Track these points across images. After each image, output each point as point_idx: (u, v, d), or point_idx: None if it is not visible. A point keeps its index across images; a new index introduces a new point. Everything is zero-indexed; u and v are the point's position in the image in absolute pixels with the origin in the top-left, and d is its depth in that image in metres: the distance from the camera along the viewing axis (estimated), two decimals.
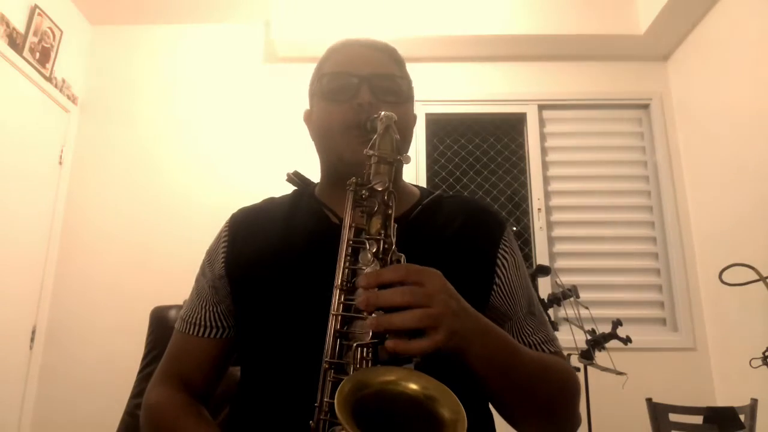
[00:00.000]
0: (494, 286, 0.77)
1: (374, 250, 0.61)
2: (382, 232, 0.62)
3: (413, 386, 0.51)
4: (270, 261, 0.78)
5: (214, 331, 0.82)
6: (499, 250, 0.79)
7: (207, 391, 0.83)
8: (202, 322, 0.83)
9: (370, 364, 0.56)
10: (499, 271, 0.78)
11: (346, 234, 0.65)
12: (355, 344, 0.57)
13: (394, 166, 0.66)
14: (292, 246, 0.79)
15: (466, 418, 0.47)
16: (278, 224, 0.83)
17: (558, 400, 0.71)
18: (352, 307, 0.60)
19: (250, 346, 0.78)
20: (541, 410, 0.69)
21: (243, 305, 0.79)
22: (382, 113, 0.69)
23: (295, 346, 0.69)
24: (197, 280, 0.88)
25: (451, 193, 0.90)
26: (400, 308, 0.55)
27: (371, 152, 0.66)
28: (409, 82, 0.86)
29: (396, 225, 0.64)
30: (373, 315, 0.55)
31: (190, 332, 0.83)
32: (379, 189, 0.64)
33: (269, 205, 0.91)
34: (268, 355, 0.75)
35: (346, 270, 0.63)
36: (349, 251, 0.64)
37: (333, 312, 0.61)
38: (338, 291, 0.62)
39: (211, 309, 0.83)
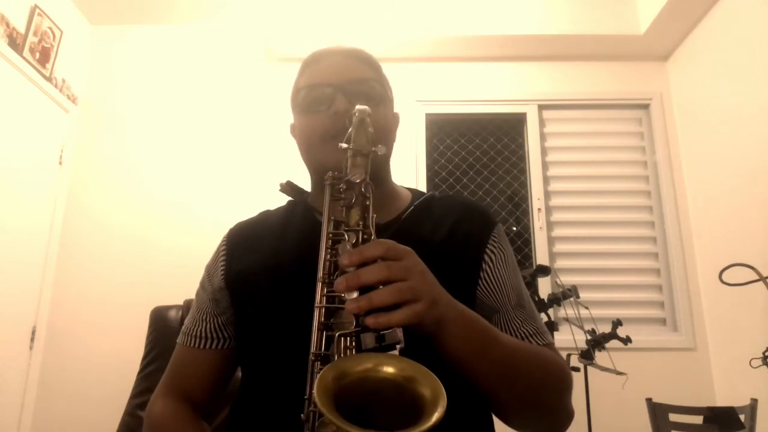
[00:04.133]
0: (480, 280, 0.78)
1: (353, 241, 0.61)
2: (361, 223, 0.63)
3: (392, 370, 0.51)
4: (267, 268, 0.79)
5: (215, 342, 0.84)
6: (488, 246, 0.80)
7: (210, 403, 0.84)
8: (203, 334, 0.84)
9: (353, 353, 0.56)
10: (485, 266, 0.79)
11: (326, 227, 0.66)
12: (337, 334, 0.57)
13: (370, 158, 0.66)
14: (288, 253, 0.80)
15: (445, 395, 0.48)
16: (274, 234, 0.85)
17: (541, 389, 0.71)
18: (335, 298, 0.60)
19: (248, 350, 0.80)
20: (522, 398, 0.69)
21: (242, 313, 0.81)
22: (357, 107, 0.69)
23: (290, 345, 0.70)
24: (197, 295, 0.89)
25: (441, 192, 0.91)
26: (378, 287, 0.55)
27: (346, 146, 0.67)
28: (384, 83, 0.87)
29: (375, 216, 0.65)
30: (354, 297, 0.55)
31: (192, 345, 0.84)
32: (357, 181, 0.64)
33: (265, 217, 0.92)
34: (265, 356, 0.76)
35: (327, 263, 0.63)
36: (330, 244, 0.64)
37: (317, 305, 0.61)
38: (320, 284, 0.62)
39: (212, 321, 0.85)
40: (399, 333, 0.55)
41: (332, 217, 0.66)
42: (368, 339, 0.54)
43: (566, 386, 0.75)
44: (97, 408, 2.31)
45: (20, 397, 2.41)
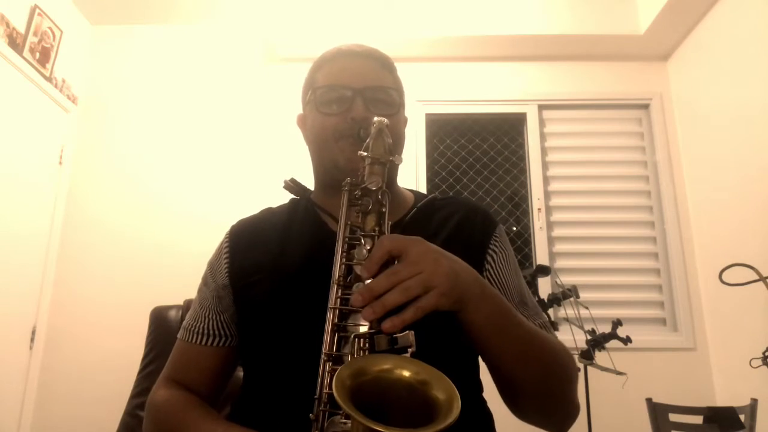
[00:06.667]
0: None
1: (369, 247, 0.63)
2: (377, 229, 0.66)
3: (408, 372, 0.53)
4: (271, 266, 0.80)
5: (217, 339, 0.83)
6: (490, 246, 0.82)
7: (210, 399, 0.84)
8: (206, 331, 0.84)
9: (366, 354, 0.58)
10: (488, 266, 0.80)
11: (342, 231, 0.67)
12: (352, 335, 0.59)
13: (387, 167, 0.69)
14: (292, 252, 0.81)
15: (459, 398, 0.49)
16: (277, 233, 0.85)
17: (554, 373, 0.71)
18: (349, 300, 0.62)
19: (252, 350, 0.80)
20: (537, 380, 0.69)
21: (246, 311, 0.81)
22: (375, 118, 0.72)
23: (296, 345, 0.70)
24: (200, 291, 0.89)
25: (448, 195, 0.91)
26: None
27: (365, 154, 0.69)
28: (400, 89, 0.88)
29: (390, 223, 0.67)
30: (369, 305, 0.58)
31: (194, 341, 0.84)
32: (373, 188, 0.67)
33: (267, 215, 0.92)
34: (270, 356, 0.76)
35: (343, 266, 0.65)
36: (345, 248, 0.66)
37: (331, 306, 0.62)
38: (335, 286, 0.64)
39: (214, 318, 0.84)
40: (411, 337, 0.57)
41: (348, 222, 0.68)
42: (382, 341, 0.57)
43: (575, 376, 0.76)
44: (97, 408, 2.31)
45: (20, 398, 2.41)
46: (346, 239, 0.67)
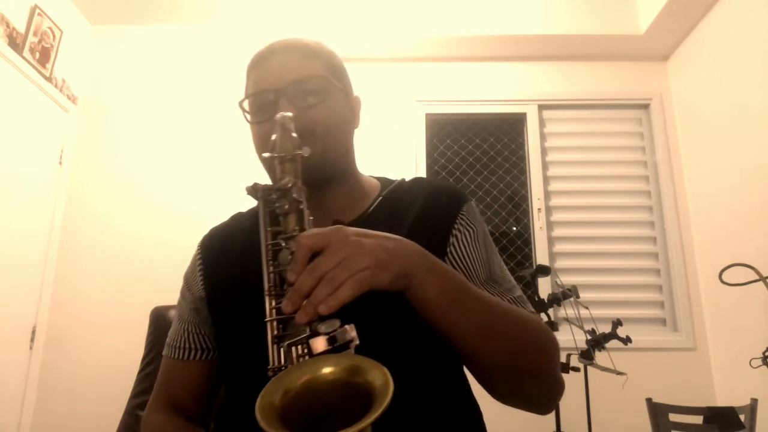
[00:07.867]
0: (446, 257, 0.74)
1: (293, 249, 0.59)
2: (297, 228, 0.62)
3: (335, 368, 0.50)
4: (236, 277, 0.78)
5: (198, 353, 0.83)
6: (455, 224, 0.77)
7: (200, 412, 0.84)
8: (187, 345, 0.83)
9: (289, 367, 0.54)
10: (451, 247, 0.75)
11: (264, 239, 0.64)
12: (287, 344, 0.55)
13: (298, 162, 0.66)
14: (255, 260, 0.77)
15: (391, 379, 0.46)
16: (244, 240, 0.83)
17: (522, 345, 0.66)
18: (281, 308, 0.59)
19: (222, 362, 0.80)
20: (504, 355, 0.64)
21: (217, 324, 0.80)
22: (276, 115, 0.69)
23: (254, 360, 0.67)
24: (178, 305, 0.88)
25: (413, 177, 0.87)
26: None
27: (270, 154, 0.66)
28: (333, 73, 0.82)
29: (312, 218, 0.64)
30: (300, 309, 0.54)
31: (176, 356, 0.83)
32: (288, 186, 0.64)
33: (236, 221, 0.90)
34: (235, 369, 0.76)
35: (272, 275, 0.62)
36: (270, 255, 0.63)
37: (267, 318, 0.59)
38: (268, 297, 0.61)
39: (194, 331, 0.84)
40: (352, 331, 0.53)
41: (269, 228, 0.65)
42: (319, 343, 0.53)
43: (553, 348, 0.70)
44: (97, 408, 2.31)
45: (20, 397, 2.41)
46: (269, 246, 0.63)
